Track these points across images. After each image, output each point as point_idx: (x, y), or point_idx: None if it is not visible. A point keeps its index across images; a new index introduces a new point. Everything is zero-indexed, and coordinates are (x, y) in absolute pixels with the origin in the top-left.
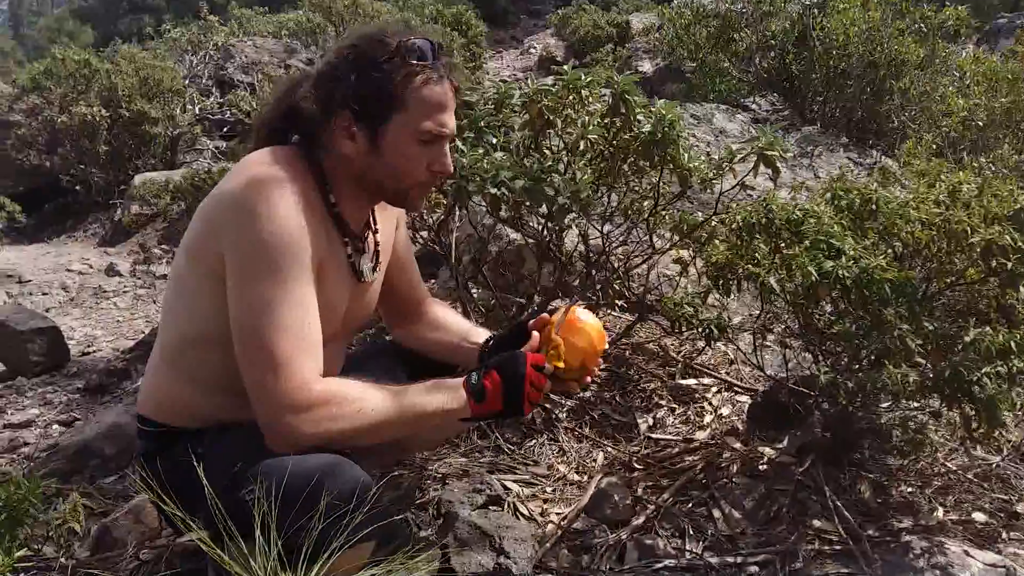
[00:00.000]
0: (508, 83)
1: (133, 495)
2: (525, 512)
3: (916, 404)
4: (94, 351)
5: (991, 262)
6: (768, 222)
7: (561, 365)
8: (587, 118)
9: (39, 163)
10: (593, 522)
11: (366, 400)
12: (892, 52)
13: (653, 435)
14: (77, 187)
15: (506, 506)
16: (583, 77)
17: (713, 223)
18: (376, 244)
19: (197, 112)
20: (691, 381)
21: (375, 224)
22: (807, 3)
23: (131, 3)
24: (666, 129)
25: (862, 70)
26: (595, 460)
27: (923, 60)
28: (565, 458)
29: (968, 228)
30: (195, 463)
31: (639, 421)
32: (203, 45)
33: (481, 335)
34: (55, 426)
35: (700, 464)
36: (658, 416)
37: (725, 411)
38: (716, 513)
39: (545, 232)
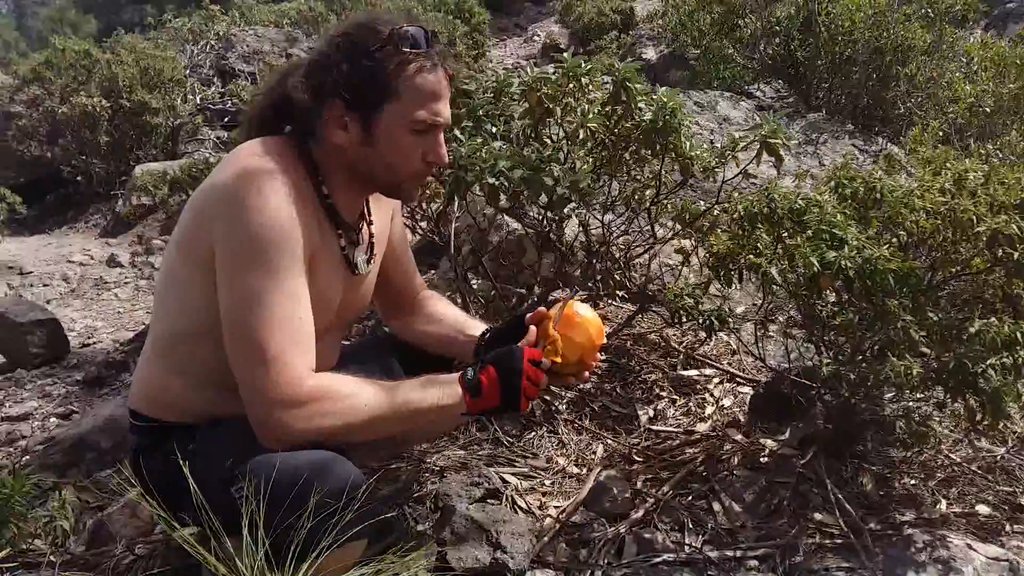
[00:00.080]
0: (507, 71)
1: (129, 489)
2: (523, 505)
3: (920, 395)
4: (94, 343)
5: (997, 251)
6: (770, 212)
7: (558, 360)
8: (587, 106)
9: (40, 154)
10: (592, 515)
11: (359, 396)
12: (898, 38)
13: (654, 427)
14: (78, 178)
15: (504, 499)
16: (583, 65)
17: (715, 212)
18: (371, 236)
19: (198, 102)
20: (693, 372)
21: (369, 215)
22: None
23: None
24: (668, 117)
25: (868, 56)
26: (595, 452)
27: (930, 46)
28: (564, 450)
29: (974, 217)
30: (184, 460)
31: (640, 413)
32: (204, 35)
33: (478, 328)
34: (53, 419)
35: (701, 456)
36: (659, 408)
37: (727, 402)
38: (716, 506)
39: (545, 222)
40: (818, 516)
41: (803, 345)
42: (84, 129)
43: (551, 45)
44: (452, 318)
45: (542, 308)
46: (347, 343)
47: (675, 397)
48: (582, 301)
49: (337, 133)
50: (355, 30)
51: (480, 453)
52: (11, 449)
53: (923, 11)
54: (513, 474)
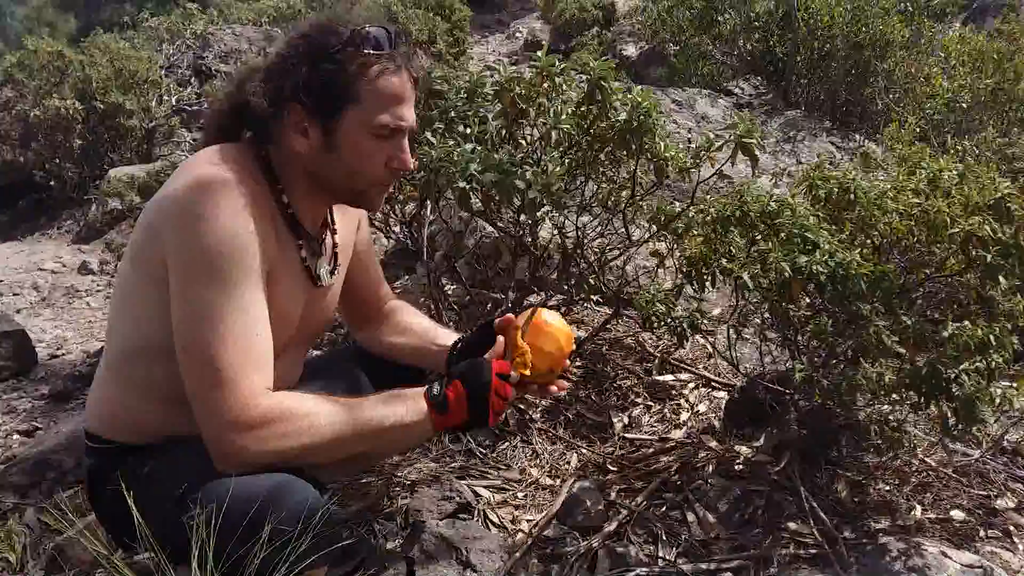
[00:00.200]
0: (480, 72)
1: (89, 512)
2: (495, 520)
3: (895, 398)
4: (63, 354)
5: (971, 253)
6: (743, 215)
7: (528, 373)
8: (560, 107)
9: (12, 158)
10: (565, 529)
11: (318, 415)
12: (877, 33)
13: (628, 435)
14: (51, 182)
15: (476, 514)
16: (556, 64)
17: (691, 214)
18: (334, 245)
19: (174, 103)
20: (668, 377)
21: (333, 224)
22: None
23: None
24: (642, 117)
25: (846, 51)
26: (569, 463)
27: (908, 40)
28: (538, 461)
29: (948, 219)
30: (137, 484)
31: (614, 420)
32: (181, 34)
33: (449, 337)
34: (15, 436)
35: (675, 465)
36: (634, 415)
37: (702, 408)
38: (690, 517)
39: (519, 226)
40: (792, 525)
41: (778, 349)
42: (57, 132)
43: (533, 42)
44: (422, 328)
45: (510, 315)
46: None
47: (650, 403)
48: (552, 308)
49: (297, 139)
50: (314, 32)
51: (452, 465)
52: None
53: (902, 5)
54: (486, 487)
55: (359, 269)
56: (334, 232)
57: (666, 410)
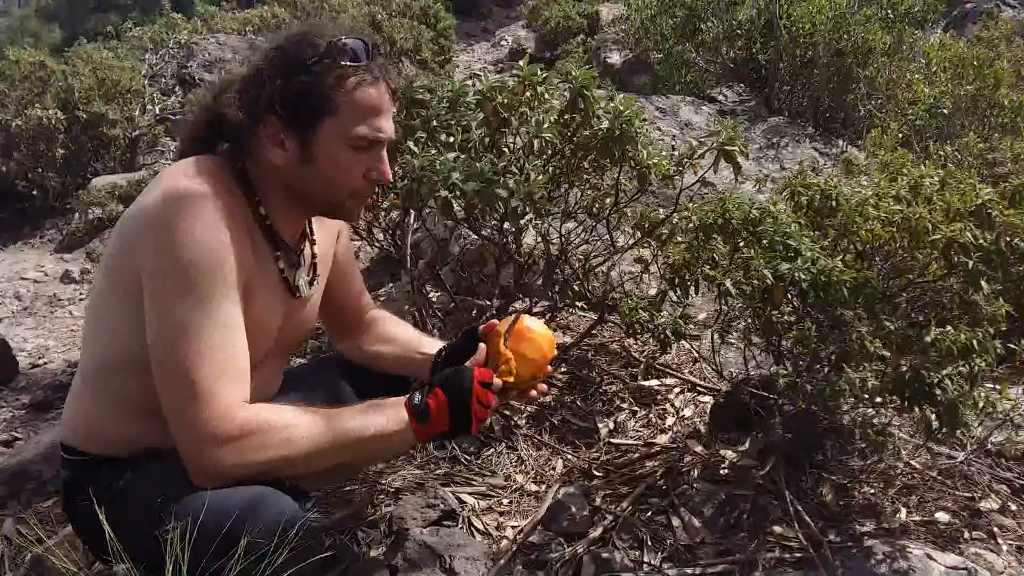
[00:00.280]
0: (464, 79)
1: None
2: (480, 527)
3: (879, 401)
4: (45, 363)
5: (952, 259)
6: (725, 222)
7: (511, 380)
8: (542, 116)
9: None
10: (550, 535)
11: (295, 427)
12: (858, 40)
13: (614, 440)
14: (34, 192)
15: (460, 521)
16: (538, 72)
17: (674, 220)
18: (313, 256)
19: (158, 112)
20: (654, 382)
21: (312, 235)
22: None
23: (97, 1)
24: (624, 125)
25: (828, 58)
26: (554, 468)
27: (890, 47)
28: (523, 467)
29: (929, 225)
30: (112, 498)
31: (600, 426)
32: (165, 43)
33: (433, 345)
34: None
35: (660, 470)
36: (619, 420)
37: (687, 412)
38: (675, 521)
39: (502, 233)
40: (778, 529)
41: (762, 353)
42: (39, 142)
43: (518, 50)
44: (405, 337)
45: (493, 322)
46: (296, 365)
47: (636, 408)
48: (536, 315)
49: (274, 151)
50: (290, 43)
51: (437, 472)
52: None
53: (883, 13)
54: (470, 494)
55: (340, 279)
56: (313, 243)
57: (652, 415)
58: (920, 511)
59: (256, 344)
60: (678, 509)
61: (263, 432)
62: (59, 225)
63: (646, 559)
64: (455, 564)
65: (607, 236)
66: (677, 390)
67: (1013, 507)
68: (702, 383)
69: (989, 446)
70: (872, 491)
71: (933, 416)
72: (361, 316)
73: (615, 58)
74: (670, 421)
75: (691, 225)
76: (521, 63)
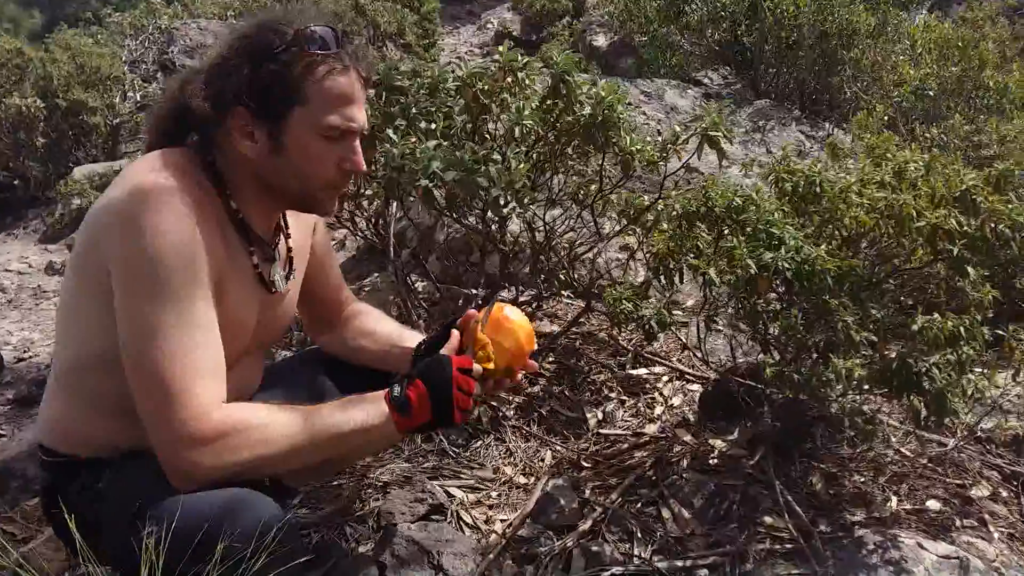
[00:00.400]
0: (446, 63)
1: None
2: (469, 520)
3: (867, 390)
4: (30, 356)
5: (937, 246)
6: (708, 210)
7: (491, 366)
8: (523, 103)
9: None
10: (539, 528)
11: (272, 425)
12: (843, 21)
13: (602, 430)
14: (16, 182)
15: (449, 515)
16: (519, 58)
17: (659, 207)
18: (289, 250)
19: (139, 99)
20: (642, 371)
21: (287, 228)
22: None
23: None
24: (606, 111)
25: (813, 40)
26: (543, 460)
27: (875, 29)
28: (512, 459)
29: (914, 212)
30: (93, 499)
31: (588, 416)
32: (145, 29)
33: (413, 339)
34: None
35: (649, 460)
36: (608, 410)
37: (676, 401)
38: (665, 513)
39: (487, 222)
40: (768, 520)
41: (749, 341)
42: (19, 131)
43: (504, 33)
44: (385, 331)
45: (472, 311)
46: (279, 360)
47: (624, 398)
48: (522, 304)
49: (243, 143)
50: (256, 31)
51: (425, 465)
52: None
53: None
54: (459, 487)
55: (318, 273)
56: (288, 236)
57: (640, 404)
58: (911, 499)
59: (232, 341)
60: (668, 500)
61: (239, 432)
62: (42, 215)
63: (636, 552)
64: (443, 560)
65: (592, 223)
66: (666, 379)
67: (1004, 493)
68: (691, 371)
69: (979, 432)
70: (862, 480)
71: (921, 405)
72: (341, 310)
73: (600, 41)
74: (659, 410)
75: (674, 213)
76: (502, 48)
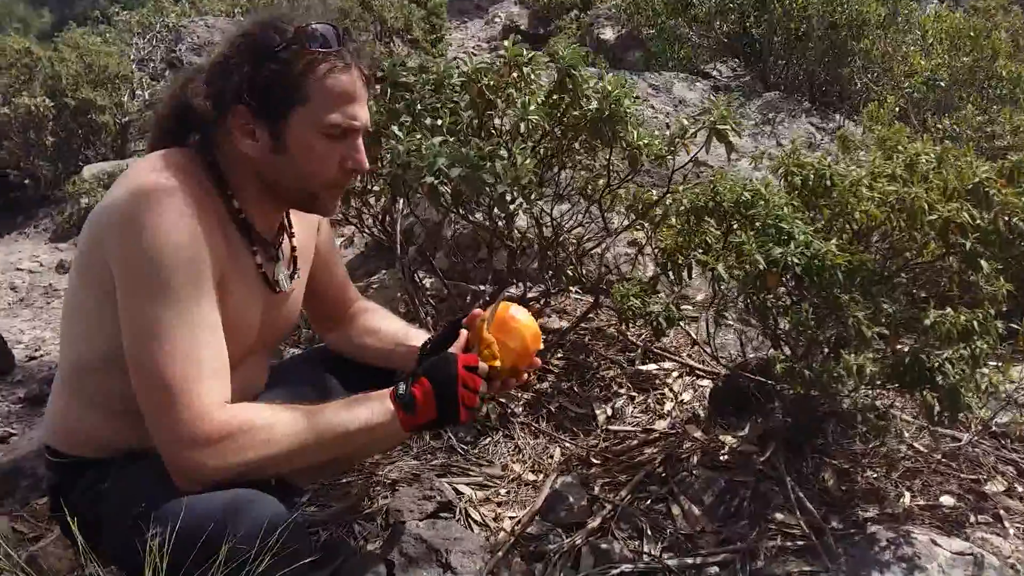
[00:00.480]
0: (452, 59)
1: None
2: (477, 518)
3: (879, 386)
4: (41, 355)
5: (950, 240)
6: (716, 205)
7: (497, 364)
8: (528, 98)
9: None
10: (548, 526)
11: (277, 425)
12: (852, 12)
13: (612, 427)
14: (26, 181)
15: (458, 512)
16: (524, 53)
17: (668, 202)
18: (293, 249)
19: (147, 97)
20: (652, 366)
21: (290, 227)
22: None
23: None
24: (613, 106)
25: (823, 31)
26: (552, 457)
27: (885, 19)
28: (521, 456)
29: (925, 205)
30: (98, 501)
31: (597, 412)
32: (153, 27)
33: (419, 337)
34: None
35: (659, 457)
36: (617, 406)
37: (686, 397)
38: (675, 510)
39: (493, 218)
40: (779, 516)
41: (759, 336)
42: (29, 130)
43: (511, 27)
44: (391, 329)
45: (477, 310)
46: (287, 357)
47: (634, 394)
48: (531, 300)
49: (244, 142)
50: (257, 29)
51: (434, 463)
52: None
53: None
54: (467, 484)
55: (323, 271)
56: (292, 236)
57: (650, 400)
58: (924, 495)
59: (237, 341)
60: (678, 497)
61: (243, 433)
62: (53, 214)
63: (646, 549)
64: (451, 559)
65: (600, 218)
66: (676, 374)
67: (1020, 488)
68: (701, 366)
69: (994, 427)
70: (875, 475)
71: (934, 400)
72: (346, 309)
73: (608, 34)
74: (669, 406)
75: (682, 208)
76: (507, 43)
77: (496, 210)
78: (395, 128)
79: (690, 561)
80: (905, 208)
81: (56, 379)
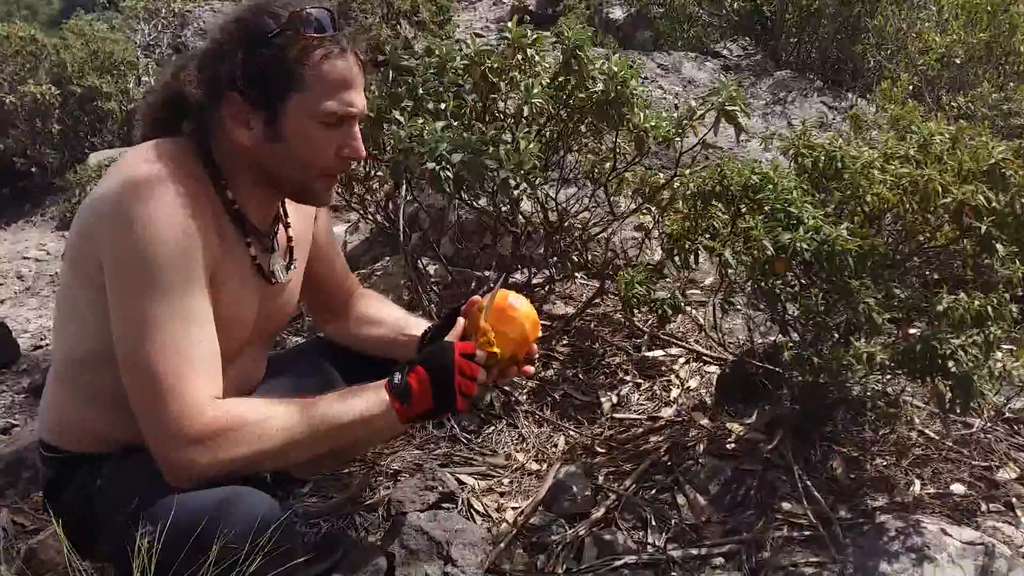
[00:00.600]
0: (450, 43)
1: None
2: (480, 508)
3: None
4: (47, 344)
5: (963, 223)
6: (724, 189)
7: (496, 351)
8: (532, 81)
9: None
10: (551, 517)
11: (270, 420)
12: None
13: (617, 415)
14: (33, 169)
15: (460, 502)
16: (528, 34)
17: (675, 186)
18: (289, 240)
19: (153, 84)
20: (658, 352)
21: (286, 217)
22: None
23: None
24: (619, 87)
25: (835, 8)
26: (556, 446)
27: None
28: (524, 445)
29: (939, 188)
30: (91, 496)
31: (603, 400)
32: (159, 12)
33: (419, 326)
34: None
35: (665, 445)
36: (623, 393)
37: (693, 383)
38: (680, 499)
39: (497, 203)
40: (786, 506)
41: (768, 322)
42: (35, 118)
43: (519, 7)
44: (392, 319)
45: (476, 297)
46: (288, 348)
47: (640, 381)
48: (536, 286)
49: (238, 131)
50: (250, 14)
51: (436, 452)
52: None
53: None
54: (470, 474)
55: (321, 261)
56: (288, 226)
57: (656, 387)
58: (935, 483)
59: (232, 334)
60: (683, 486)
61: (234, 428)
62: (59, 202)
63: (650, 540)
64: (453, 551)
65: (607, 202)
66: (682, 360)
67: None
68: (708, 352)
69: (1007, 413)
70: (884, 463)
71: (946, 389)
72: (345, 299)
73: (617, 13)
74: (675, 393)
75: (688, 192)
76: (510, 24)
77: (500, 196)
78: (396, 113)
79: (695, 552)
80: (918, 191)
81: (50, 373)
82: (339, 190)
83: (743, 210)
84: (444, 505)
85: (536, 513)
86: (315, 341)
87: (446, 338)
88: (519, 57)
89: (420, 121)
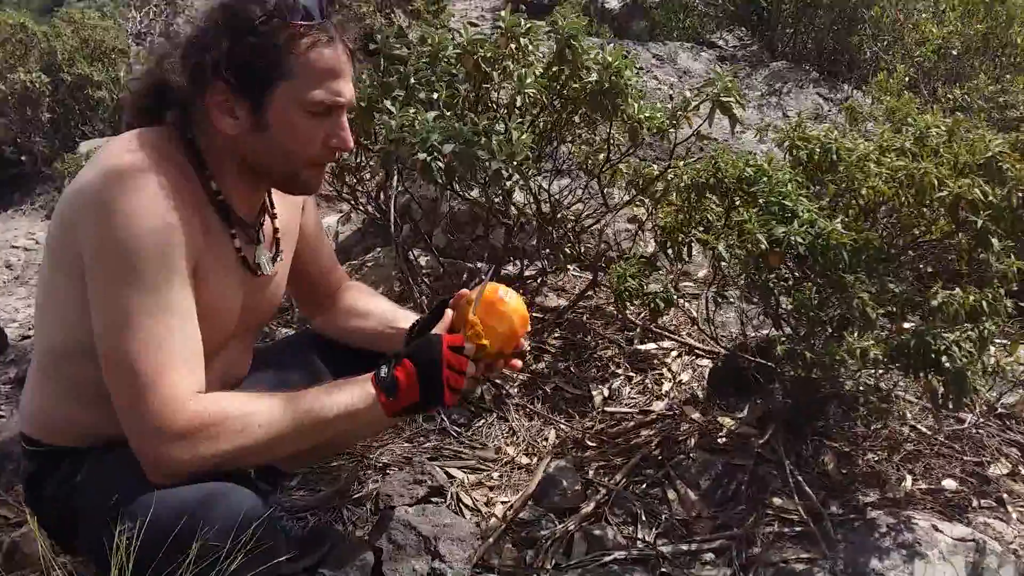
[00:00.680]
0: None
1: None
2: (469, 502)
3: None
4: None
5: (959, 217)
6: (718, 181)
7: (485, 343)
8: (525, 71)
9: None
10: (540, 511)
11: (252, 415)
12: None
13: (608, 408)
14: (22, 158)
15: (449, 497)
16: (521, 23)
17: (669, 177)
18: (275, 231)
19: (137, 71)
20: (650, 346)
21: (273, 208)
22: None
23: None
24: (613, 77)
25: None
26: (546, 439)
27: None
28: (515, 439)
29: (935, 181)
30: (72, 491)
31: (594, 393)
32: (149, 0)
33: (407, 319)
34: None
35: (656, 439)
36: (614, 386)
37: (685, 377)
38: (671, 494)
39: (486, 196)
40: (777, 501)
41: (760, 316)
42: (25, 107)
43: None
44: (380, 311)
45: (464, 290)
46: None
47: (631, 374)
48: (528, 278)
49: (223, 120)
50: (236, 1)
51: (425, 446)
52: None
53: None
54: (460, 468)
55: (308, 253)
56: (274, 217)
57: (648, 380)
58: (926, 478)
59: (217, 327)
60: (674, 481)
61: (215, 423)
62: (49, 191)
63: (639, 535)
64: (440, 546)
65: (600, 194)
66: (675, 353)
67: (1023, 471)
68: (700, 346)
69: (999, 408)
70: (876, 458)
71: (939, 384)
72: (333, 291)
73: (613, 3)
74: (667, 387)
75: (682, 184)
76: (503, 14)
77: (492, 187)
78: (388, 103)
79: (684, 548)
80: (914, 184)
81: (31, 366)
82: (331, 180)
83: (737, 203)
84: (433, 499)
85: (525, 508)
86: (302, 334)
87: (434, 331)
88: (512, 47)
89: (412, 111)
